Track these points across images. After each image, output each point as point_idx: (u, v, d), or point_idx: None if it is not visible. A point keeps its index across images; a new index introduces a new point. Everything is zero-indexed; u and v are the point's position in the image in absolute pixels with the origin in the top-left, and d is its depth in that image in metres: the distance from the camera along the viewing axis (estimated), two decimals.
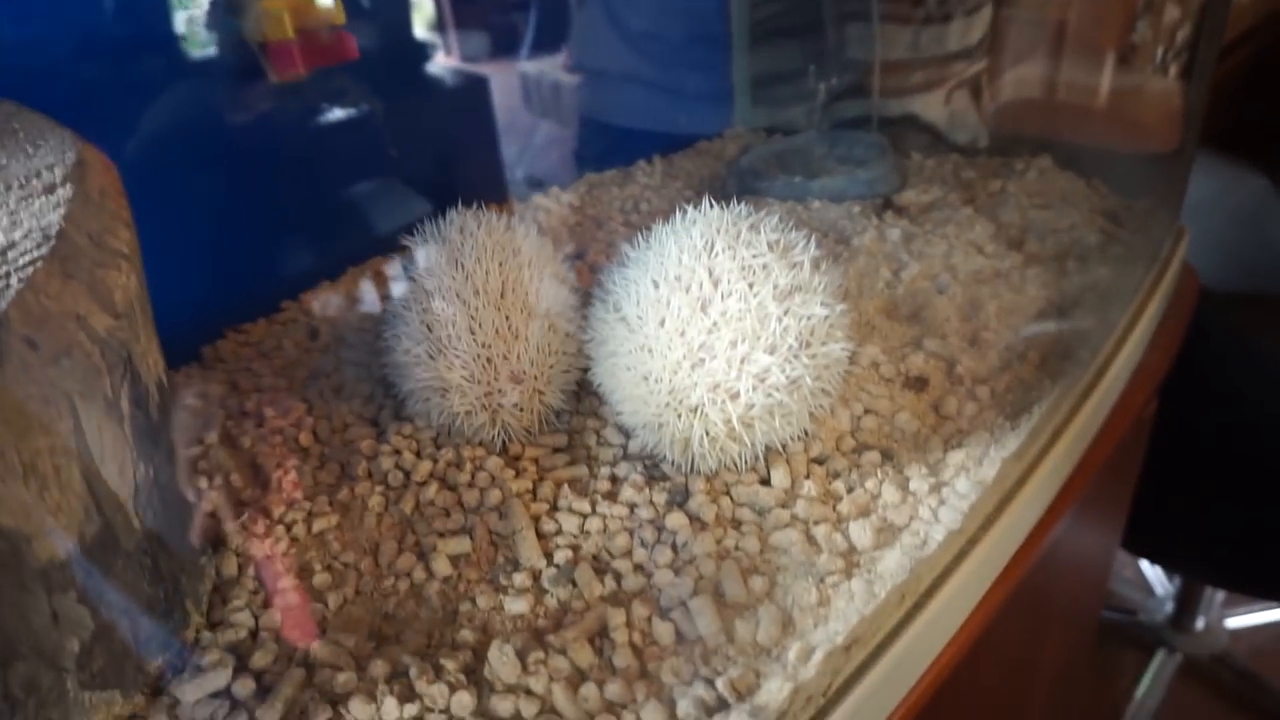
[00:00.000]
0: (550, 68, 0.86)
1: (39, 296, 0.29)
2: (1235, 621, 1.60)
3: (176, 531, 0.37)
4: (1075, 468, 0.53)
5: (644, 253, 0.46)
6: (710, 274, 0.41)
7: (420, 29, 0.73)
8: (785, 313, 0.40)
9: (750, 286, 0.41)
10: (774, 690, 0.33)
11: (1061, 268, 0.62)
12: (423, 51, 0.74)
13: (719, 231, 0.43)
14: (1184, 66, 0.80)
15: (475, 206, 0.53)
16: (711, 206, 0.45)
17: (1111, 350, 0.57)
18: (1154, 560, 1.60)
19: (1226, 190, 1.58)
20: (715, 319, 0.41)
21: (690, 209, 0.45)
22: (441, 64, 0.76)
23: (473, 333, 0.48)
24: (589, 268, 0.65)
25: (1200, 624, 1.59)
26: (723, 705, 0.33)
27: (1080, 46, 0.87)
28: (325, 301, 0.67)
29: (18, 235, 0.31)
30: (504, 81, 0.81)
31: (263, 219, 0.68)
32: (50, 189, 0.34)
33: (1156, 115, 0.80)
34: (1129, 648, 1.60)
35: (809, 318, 0.41)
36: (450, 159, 0.79)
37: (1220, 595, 1.61)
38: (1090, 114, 0.85)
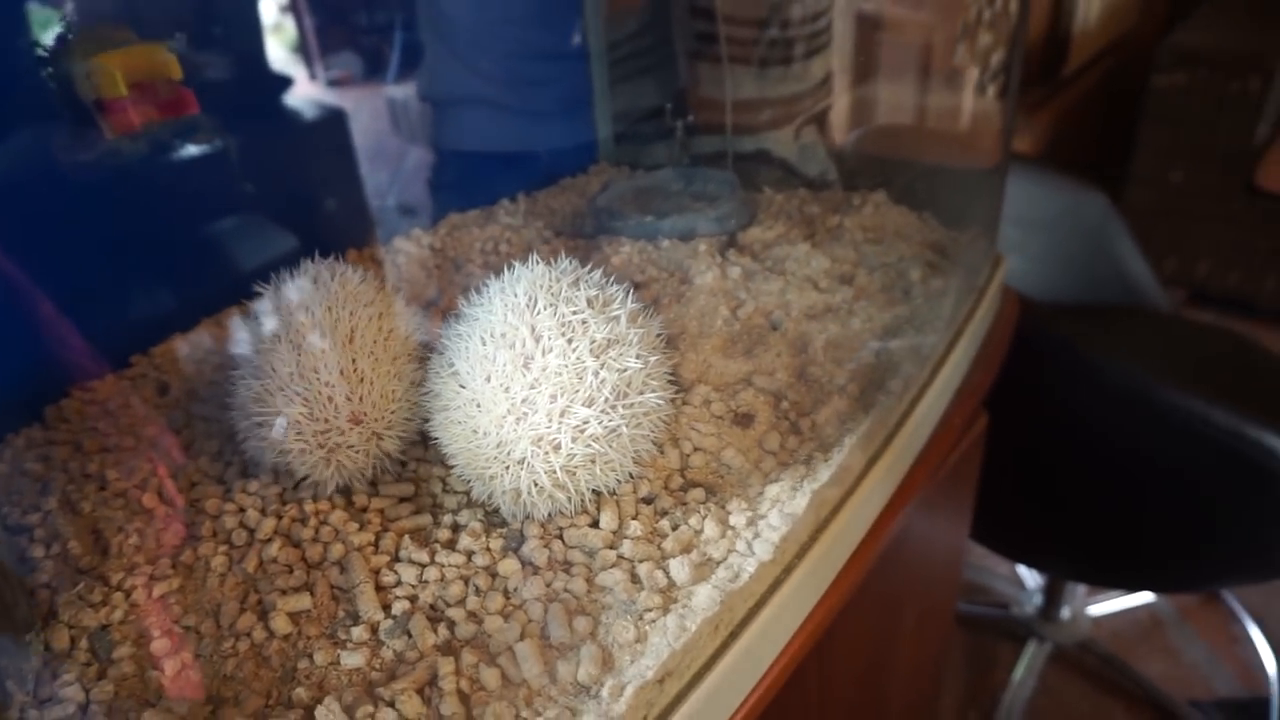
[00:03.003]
0: (413, 106, 0.87)
1: None
2: (1097, 609, 1.71)
3: (15, 605, 0.37)
4: (895, 490, 0.58)
5: (476, 309, 0.48)
6: (532, 331, 0.44)
7: (274, 69, 0.73)
8: (602, 366, 0.43)
9: (569, 342, 0.43)
10: None
11: (889, 300, 0.67)
12: (278, 92, 0.75)
13: (541, 289, 0.45)
14: (1000, 89, 0.87)
15: (335, 252, 0.54)
16: (538, 263, 0.47)
17: (930, 375, 0.62)
18: (1018, 560, 1.70)
19: (1071, 209, 1.70)
20: (537, 375, 0.43)
21: (517, 265, 0.48)
22: (305, 104, 0.76)
23: (316, 371, 0.49)
24: (443, 314, 0.66)
25: (1066, 614, 1.70)
26: None
27: (913, 74, 0.93)
28: (176, 355, 0.67)
29: None
30: (364, 120, 0.82)
31: (109, 273, 0.67)
32: None
33: (979, 134, 0.86)
34: (1003, 639, 1.70)
35: (624, 370, 0.44)
36: (309, 203, 0.80)
37: (1083, 587, 1.72)
38: (924, 137, 0.92)
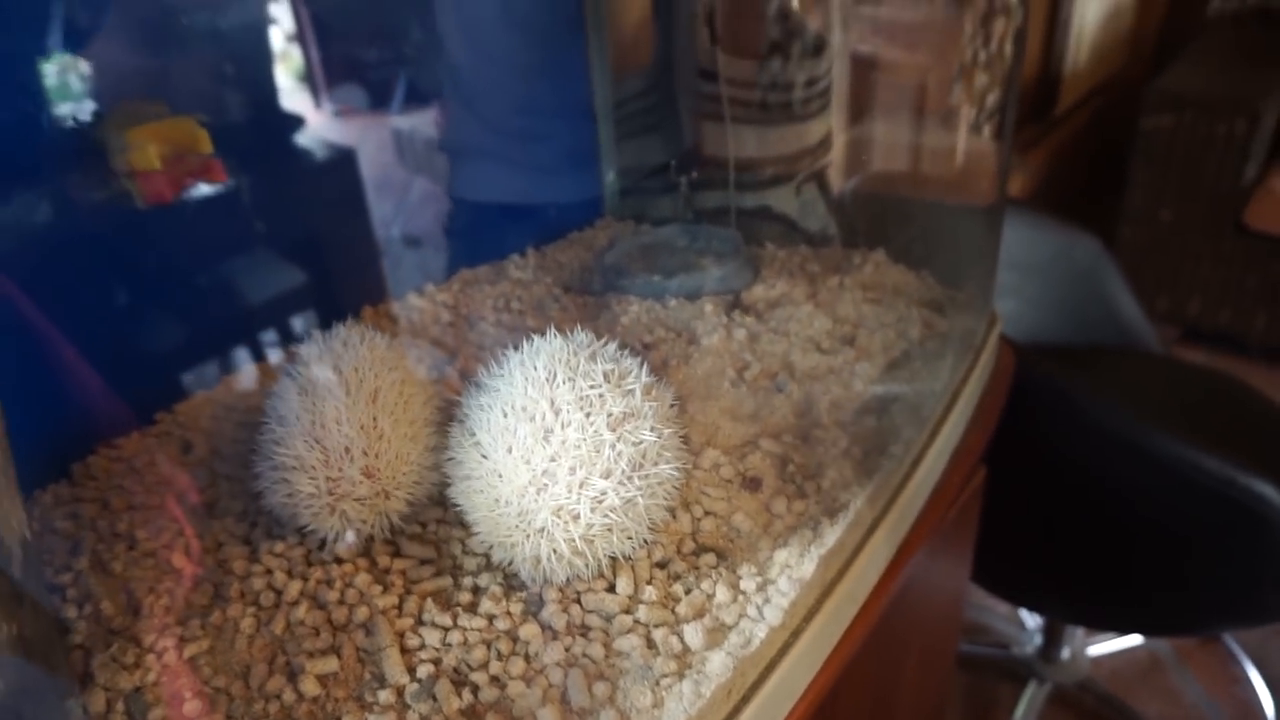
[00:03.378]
0: (424, 164, 0.90)
1: None
2: (1096, 649, 1.72)
3: (40, 681, 0.39)
4: (898, 549, 0.60)
5: (496, 379, 0.50)
6: (552, 404, 0.46)
7: (292, 139, 0.76)
8: (618, 439, 0.45)
9: (587, 416, 0.46)
10: None
11: (888, 361, 0.69)
12: (295, 159, 0.77)
13: (560, 363, 0.48)
14: (995, 131, 0.90)
15: (350, 307, 0.57)
16: (555, 336, 0.50)
17: (930, 435, 0.64)
18: (1016, 603, 1.71)
19: (1063, 252, 1.74)
20: (556, 447, 0.45)
21: (536, 339, 0.50)
22: (316, 169, 0.79)
23: (338, 424, 0.51)
24: (459, 373, 0.69)
25: (1065, 654, 1.71)
26: None
27: (909, 122, 0.97)
28: (199, 413, 0.69)
29: None
30: (378, 180, 0.85)
31: (135, 331, 0.69)
32: None
33: (976, 176, 0.89)
34: (1004, 680, 1.70)
35: (639, 443, 0.46)
36: (328, 263, 0.82)
37: (1082, 628, 1.74)
38: (921, 181, 0.95)
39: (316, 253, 0.81)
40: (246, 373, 0.72)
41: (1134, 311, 1.71)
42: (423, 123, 0.89)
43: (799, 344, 0.70)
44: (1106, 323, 1.72)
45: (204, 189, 0.68)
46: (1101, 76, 2.75)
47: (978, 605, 1.82)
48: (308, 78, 0.74)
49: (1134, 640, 1.73)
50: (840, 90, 0.97)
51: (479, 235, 0.96)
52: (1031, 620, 1.75)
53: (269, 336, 0.75)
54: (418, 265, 0.89)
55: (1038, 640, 1.72)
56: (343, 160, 0.80)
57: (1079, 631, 1.71)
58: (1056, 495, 1.20)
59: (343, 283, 0.83)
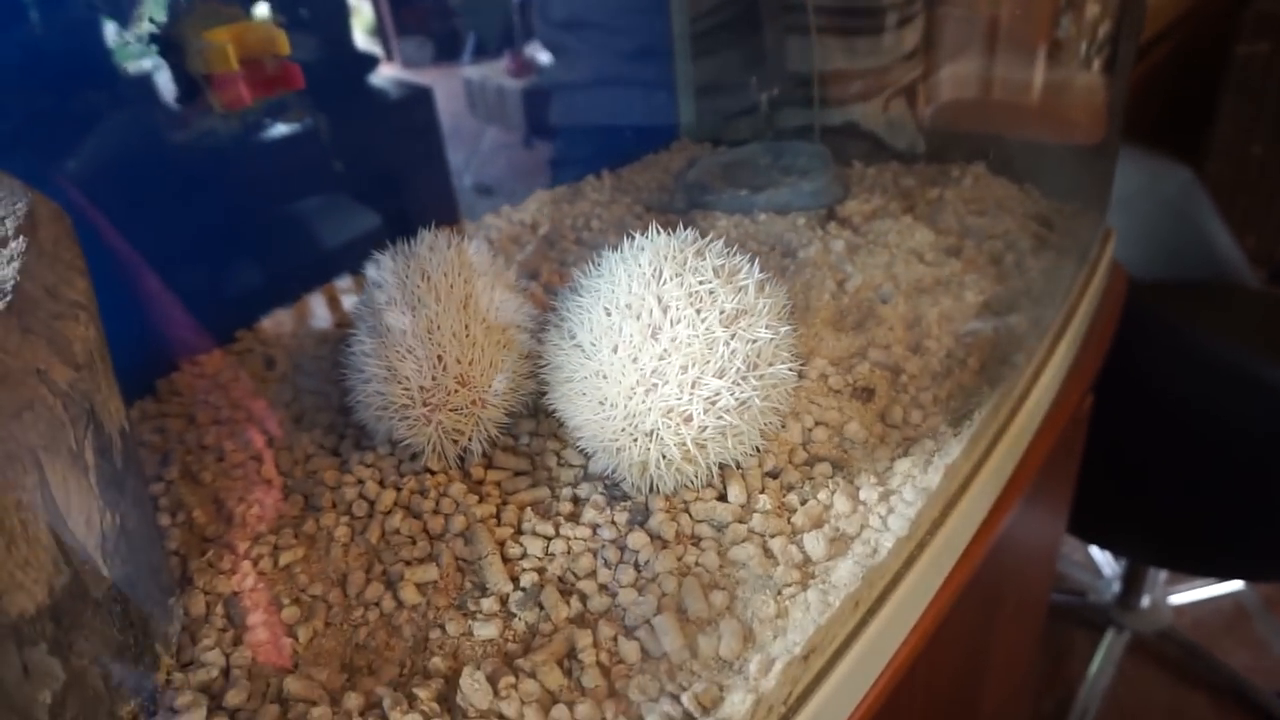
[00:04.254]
0: (500, 84, 0.86)
1: None
2: (1178, 598, 1.66)
3: (144, 575, 0.38)
4: (1016, 468, 0.56)
5: (595, 280, 0.47)
6: (659, 301, 0.43)
7: (367, 49, 0.74)
8: (732, 337, 0.42)
9: (698, 312, 0.42)
10: (737, 702, 0.35)
11: (998, 272, 0.65)
12: (371, 73, 0.75)
13: (666, 259, 0.44)
14: (1106, 61, 0.83)
15: (429, 226, 0.54)
16: (659, 233, 0.46)
17: (1046, 351, 0.60)
18: (1100, 545, 1.66)
19: (1152, 183, 1.64)
20: (666, 345, 0.42)
21: (639, 236, 0.47)
22: (391, 85, 0.76)
23: (429, 332, 0.49)
24: (543, 288, 0.66)
25: (1145, 602, 1.65)
26: (689, 719, 0.35)
27: (1010, 46, 0.90)
28: (280, 328, 0.67)
29: None
30: (454, 99, 0.82)
31: (215, 248, 0.68)
32: (3, 242, 0.35)
33: (1083, 110, 0.83)
34: (1080, 628, 1.66)
35: (755, 341, 0.42)
36: (402, 180, 0.80)
37: (1164, 574, 1.67)
38: (1021, 111, 0.89)
39: (394, 173, 0.78)
40: (323, 289, 0.70)
41: (1228, 245, 1.62)
42: (499, 50, 0.85)
43: (901, 256, 0.66)
44: (1198, 257, 1.63)
45: (284, 102, 0.66)
46: (1188, 2, 2.59)
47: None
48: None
49: (1218, 589, 1.66)
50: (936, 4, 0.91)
51: (554, 158, 0.93)
52: (1109, 567, 1.70)
53: (346, 254, 0.73)
54: (494, 186, 0.86)
55: (1116, 588, 1.66)
56: (422, 87, 0.77)
57: (1160, 580, 1.66)
58: (1158, 430, 1.14)
59: (418, 203, 0.81)
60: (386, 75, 0.75)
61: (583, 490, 0.48)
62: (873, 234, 0.69)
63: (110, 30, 0.58)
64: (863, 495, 0.45)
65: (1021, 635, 0.83)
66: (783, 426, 0.49)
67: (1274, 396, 0.99)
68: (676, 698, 0.36)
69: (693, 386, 0.42)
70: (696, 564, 0.42)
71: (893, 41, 0.91)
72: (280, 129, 0.70)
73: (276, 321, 0.68)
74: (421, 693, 0.37)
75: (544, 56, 0.89)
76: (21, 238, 0.34)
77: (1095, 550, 1.74)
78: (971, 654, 0.68)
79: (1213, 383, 1.05)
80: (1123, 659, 1.59)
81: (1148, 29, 2.49)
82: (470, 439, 0.50)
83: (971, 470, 0.49)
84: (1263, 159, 2.45)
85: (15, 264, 0.33)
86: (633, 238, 0.47)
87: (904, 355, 0.55)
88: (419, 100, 0.78)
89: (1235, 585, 1.67)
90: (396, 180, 0.80)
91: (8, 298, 0.32)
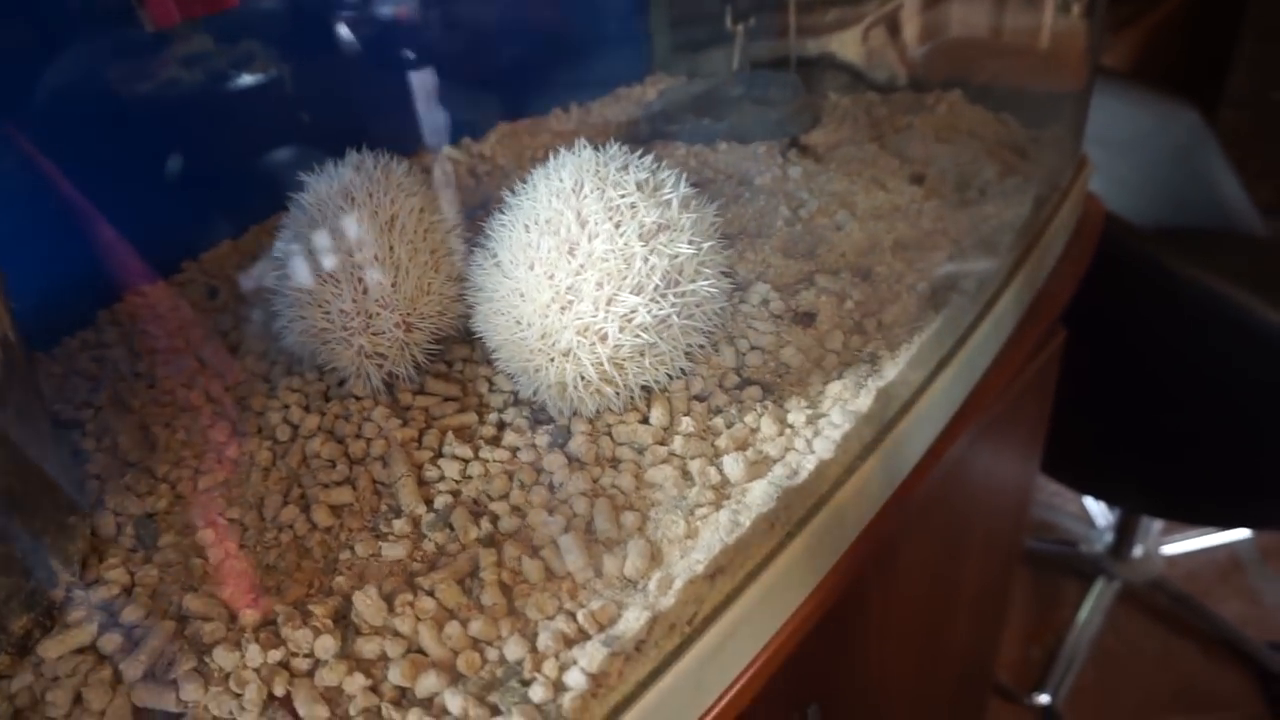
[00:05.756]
0: (461, 8, 0.84)
1: None
2: (1171, 549, 1.65)
3: (34, 490, 0.37)
4: (968, 396, 0.54)
5: (520, 198, 0.45)
6: (578, 216, 0.41)
7: None
8: (651, 252, 0.40)
9: (616, 226, 0.41)
10: (633, 619, 0.34)
11: (961, 200, 0.62)
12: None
13: (588, 173, 0.42)
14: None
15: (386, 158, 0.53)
16: (584, 148, 0.45)
17: (1003, 280, 0.57)
18: (1092, 494, 1.64)
19: (1160, 126, 1.60)
20: (582, 261, 0.40)
21: (563, 151, 0.45)
22: (344, 5, 0.74)
23: (351, 255, 0.47)
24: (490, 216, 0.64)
25: (1138, 552, 1.64)
26: (583, 636, 0.34)
27: None
28: (225, 260, 0.66)
29: None
30: (411, 23, 0.79)
31: (159, 179, 0.66)
32: None
33: (1062, 48, 0.80)
34: (1071, 577, 1.65)
35: (676, 257, 0.41)
36: (357, 111, 0.77)
37: (1157, 525, 1.66)
38: (1001, 49, 0.85)
39: (346, 100, 0.76)
40: (274, 221, 0.69)
41: (1236, 192, 1.58)
42: None
43: (861, 183, 0.63)
44: (1205, 204, 1.59)
45: (227, 26, 0.64)
46: None
47: (1045, 503, 1.75)
48: None
49: (1213, 540, 1.65)
50: None
51: (521, 91, 0.90)
52: (1103, 518, 1.69)
53: (292, 185, 0.72)
54: (455, 118, 0.84)
55: (1108, 538, 1.65)
56: (379, 10, 0.75)
57: (1153, 530, 1.64)
58: (1146, 375, 1.12)
59: (375, 133, 0.79)
60: (345, 7, 0.73)
61: (509, 415, 0.47)
62: (835, 162, 0.67)
63: None
64: (790, 419, 0.43)
65: (993, 570, 0.82)
66: (715, 350, 0.47)
67: (1266, 342, 0.96)
68: (573, 615, 0.35)
69: (608, 303, 0.40)
70: (612, 485, 0.41)
71: None
72: (230, 61, 0.68)
73: (222, 253, 0.67)
74: (317, 609, 0.36)
75: None
76: None
77: (1090, 501, 1.72)
78: (938, 585, 0.67)
79: (1199, 324, 1.02)
80: (1113, 608, 1.58)
81: None
82: (395, 364, 0.49)
83: (913, 395, 0.48)
84: None
85: None
86: (558, 153, 0.45)
87: (853, 281, 0.54)
88: (378, 32, 0.75)
89: (1230, 536, 1.66)
90: (355, 115, 0.78)
91: None
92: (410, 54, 0.78)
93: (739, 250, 0.56)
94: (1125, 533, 1.62)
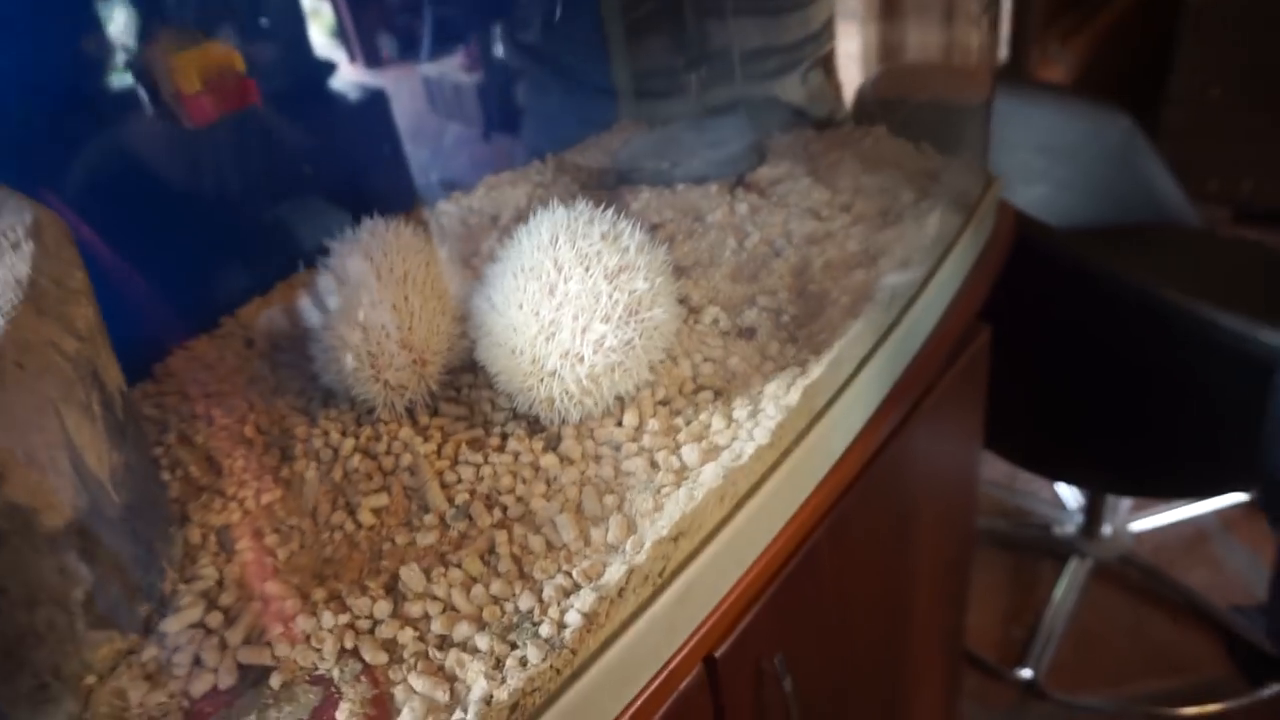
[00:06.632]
0: (448, 76, 0.95)
1: (21, 330, 0.39)
2: (1138, 525, 1.76)
3: (148, 506, 0.48)
4: (891, 389, 0.65)
5: (508, 249, 0.56)
6: (555, 263, 0.52)
7: (320, 52, 0.82)
8: (615, 289, 0.51)
9: (586, 270, 0.52)
10: (614, 573, 0.44)
11: (883, 223, 0.73)
12: (325, 75, 0.83)
13: (561, 228, 0.53)
14: (989, 22, 0.92)
15: (387, 215, 0.63)
16: (557, 207, 0.56)
17: (919, 286, 0.68)
18: (1056, 478, 1.75)
19: (1097, 132, 1.72)
20: (560, 299, 0.51)
21: (539, 210, 0.56)
22: (344, 84, 0.85)
23: (373, 305, 0.58)
24: (484, 263, 0.75)
25: (1107, 531, 1.75)
26: (577, 587, 0.45)
27: (908, 14, 0.99)
28: (257, 314, 0.77)
29: None
30: (404, 93, 0.91)
31: (196, 247, 0.77)
32: (16, 246, 0.44)
33: (968, 80, 0.91)
34: (1046, 558, 1.75)
35: (634, 291, 0.52)
36: (361, 173, 0.89)
37: (1125, 504, 1.77)
38: (919, 72, 0.97)
39: (357, 169, 0.88)
40: (295, 277, 0.80)
41: (1171, 188, 1.69)
42: (446, 42, 0.94)
43: (797, 214, 0.74)
44: (1144, 202, 1.71)
45: (243, 112, 0.75)
46: None
47: (1020, 490, 1.86)
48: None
49: (1178, 514, 1.75)
50: None
51: (502, 146, 1.02)
52: (1073, 500, 1.79)
53: (313, 243, 0.83)
54: (446, 174, 0.95)
55: (1079, 519, 1.76)
56: (379, 89, 0.86)
57: (1122, 509, 1.75)
58: (1088, 369, 1.23)
59: (380, 194, 0.90)
60: (348, 79, 0.84)
61: (510, 427, 0.57)
62: (776, 196, 0.78)
63: (96, 57, 0.68)
64: (735, 414, 0.54)
65: (949, 547, 0.92)
66: (675, 363, 0.58)
67: (1173, 323, 1.07)
68: (569, 573, 0.45)
69: (583, 332, 0.51)
70: (596, 476, 0.52)
71: (799, 21, 0.99)
72: (253, 139, 0.79)
73: (253, 308, 0.77)
74: (371, 584, 0.47)
75: (491, 53, 0.98)
76: (30, 241, 0.44)
77: (1061, 487, 1.83)
78: (892, 555, 0.78)
79: (1120, 315, 1.14)
80: (1087, 584, 1.68)
81: None
82: (414, 392, 0.59)
83: (838, 389, 0.59)
84: (1221, 102, 2.52)
85: (28, 263, 0.42)
86: (536, 213, 0.56)
87: (789, 299, 0.65)
88: (376, 103, 0.87)
89: (1194, 510, 1.76)
90: (359, 176, 0.89)
91: (24, 288, 0.41)
92: (407, 115, 0.89)
93: (694, 279, 0.67)
94: (1094, 514, 1.72)
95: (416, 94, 0.93)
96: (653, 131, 1.01)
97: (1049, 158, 1.71)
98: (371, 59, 0.85)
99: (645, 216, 0.77)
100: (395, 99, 0.88)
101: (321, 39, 0.81)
